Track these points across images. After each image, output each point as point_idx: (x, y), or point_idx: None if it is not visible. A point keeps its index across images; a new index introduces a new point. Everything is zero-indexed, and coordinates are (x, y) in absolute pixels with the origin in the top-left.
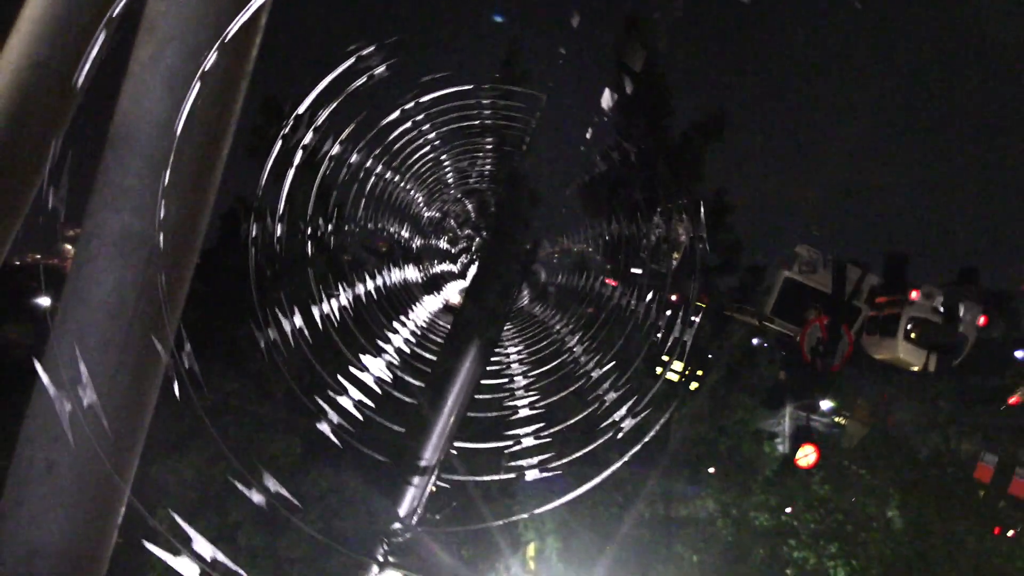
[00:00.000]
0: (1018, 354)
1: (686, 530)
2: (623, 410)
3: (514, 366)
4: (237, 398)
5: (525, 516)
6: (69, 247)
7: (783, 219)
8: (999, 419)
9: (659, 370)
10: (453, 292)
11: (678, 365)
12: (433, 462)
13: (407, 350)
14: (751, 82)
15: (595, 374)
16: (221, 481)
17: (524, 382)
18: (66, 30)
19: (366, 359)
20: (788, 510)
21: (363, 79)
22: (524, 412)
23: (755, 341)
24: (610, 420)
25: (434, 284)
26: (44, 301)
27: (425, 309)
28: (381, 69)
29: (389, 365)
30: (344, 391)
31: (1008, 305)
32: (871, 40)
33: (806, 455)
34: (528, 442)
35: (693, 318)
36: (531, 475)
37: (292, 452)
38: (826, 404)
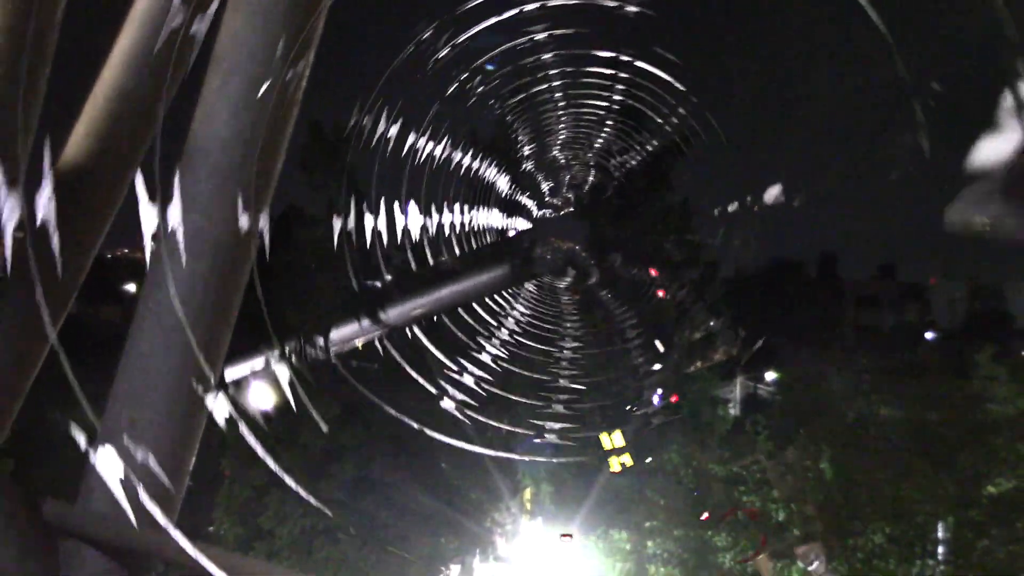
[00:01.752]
0: (928, 335)
1: (655, 478)
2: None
3: (567, 339)
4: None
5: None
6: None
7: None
8: (912, 388)
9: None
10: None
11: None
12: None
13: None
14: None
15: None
16: (274, 434)
17: (570, 355)
18: (149, 64)
19: None
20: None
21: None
22: (563, 382)
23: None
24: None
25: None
26: (131, 287)
27: None
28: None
29: None
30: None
31: (921, 295)
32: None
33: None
34: (558, 408)
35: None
36: (550, 437)
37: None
38: (771, 375)
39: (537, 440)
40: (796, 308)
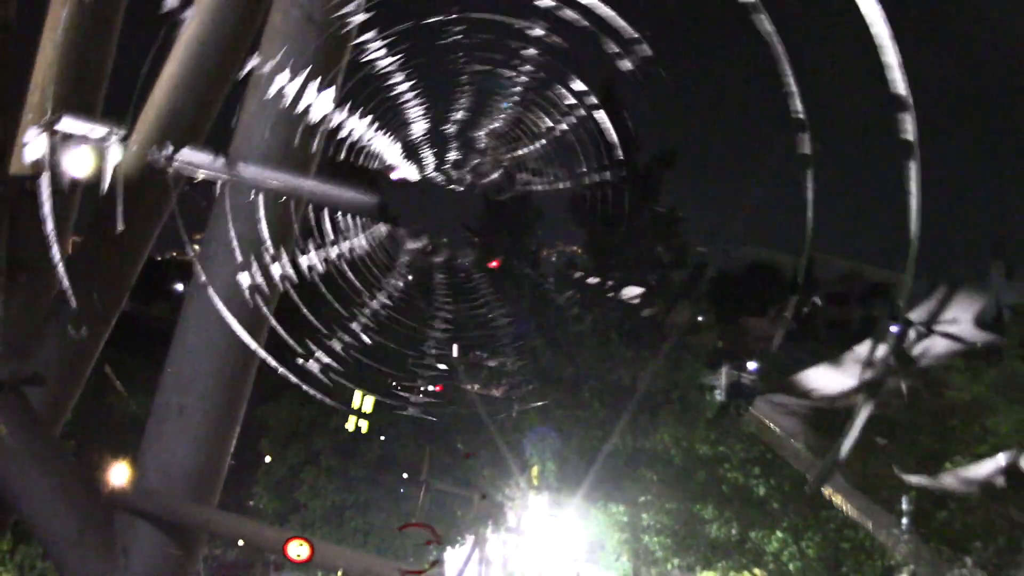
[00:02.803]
0: (892, 328)
1: (648, 457)
2: None
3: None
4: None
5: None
6: (196, 247)
7: (720, 225)
8: (878, 375)
9: None
10: None
11: None
12: None
13: None
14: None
15: None
16: (307, 419)
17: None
18: (197, 85)
19: None
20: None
21: None
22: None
23: (700, 318)
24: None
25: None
26: (179, 287)
27: None
28: None
29: None
30: None
31: (887, 293)
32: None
33: (297, 554)
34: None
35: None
36: (412, 411)
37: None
38: (752, 365)
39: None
40: (774, 305)
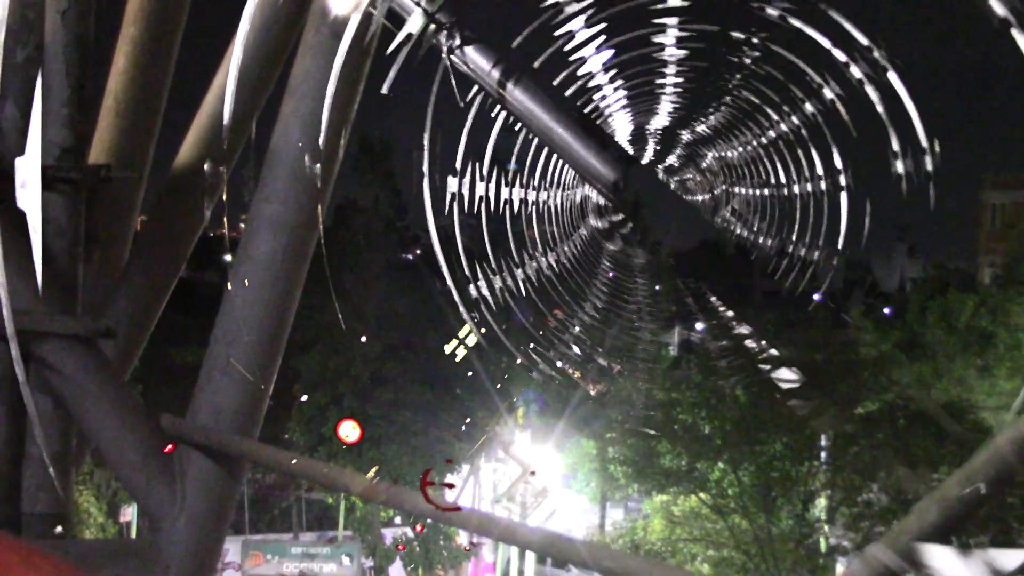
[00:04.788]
0: (815, 297)
1: (614, 400)
2: None
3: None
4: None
5: None
6: (242, 224)
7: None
8: (803, 335)
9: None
10: None
11: None
12: None
13: None
14: None
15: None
16: (333, 368)
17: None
18: (242, 92)
19: None
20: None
21: None
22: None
23: (656, 287)
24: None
25: None
26: (228, 257)
27: None
28: None
29: None
30: None
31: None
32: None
33: (347, 435)
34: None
35: None
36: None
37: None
38: (700, 325)
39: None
40: (717, 277)
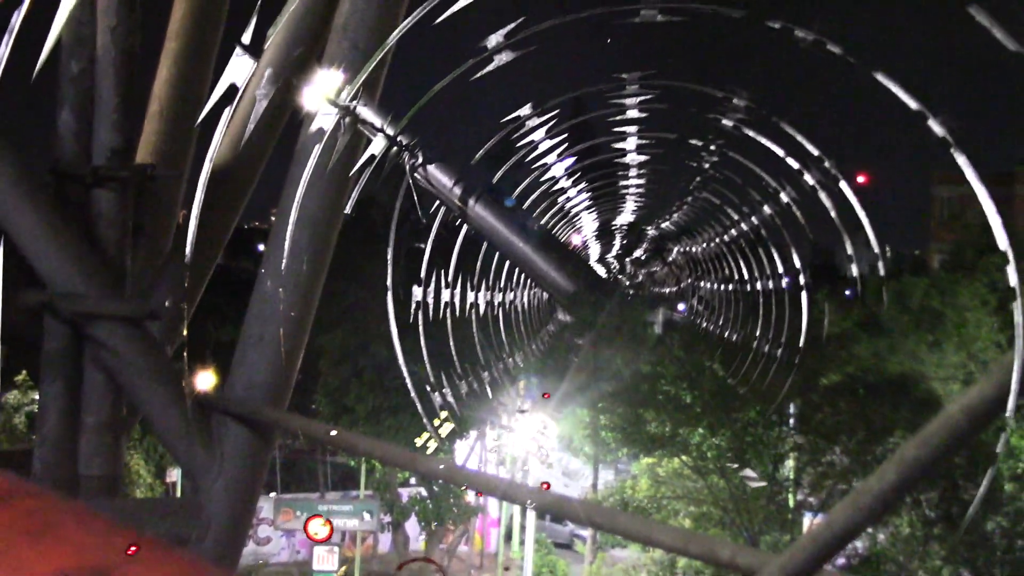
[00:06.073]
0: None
1: (606, 374)
2: None
3: None
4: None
5: None
6: (272, 217)
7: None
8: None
9: None
10: None
11: None
12: None
13: None
14: None
15: None
16: (354, 345)
17: None
18: (272, 95)
19: None
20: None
21: None
22: None
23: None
24: None
25: None
26: (260, 247)
27: None
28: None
29: None
30: None
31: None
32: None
33: (316, 532)
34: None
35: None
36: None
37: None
38: (682, 306)
39: None
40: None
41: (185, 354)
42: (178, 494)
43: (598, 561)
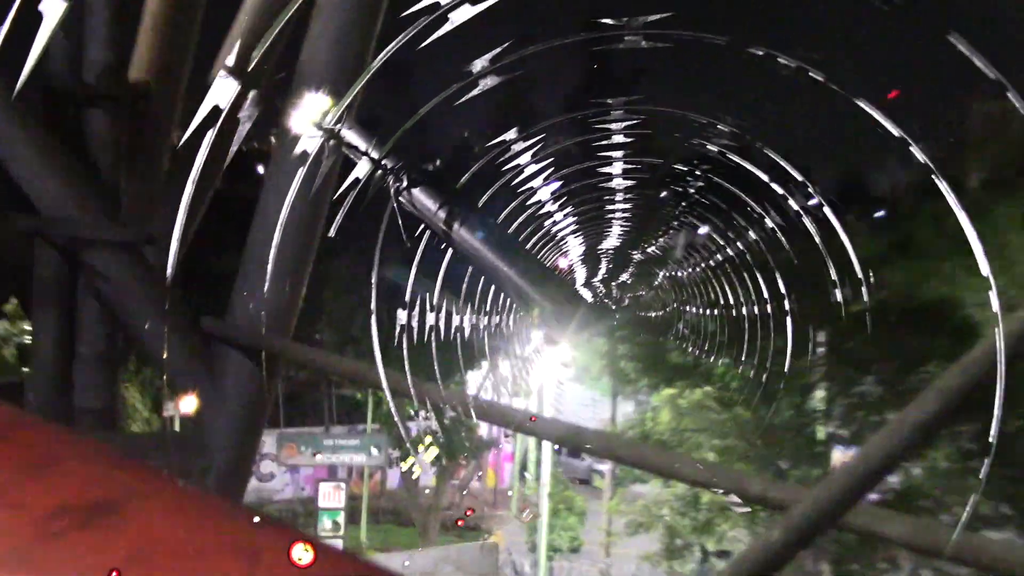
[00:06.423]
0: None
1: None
2: None
3: None
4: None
5: None
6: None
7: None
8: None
9: None
10: None
11: None
12: None
13: None
14: None
15: None
16: (361, 273)
17: None
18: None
19: None
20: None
21: None
22: None
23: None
24: None
25: None
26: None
27: None
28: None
29: None
30: None
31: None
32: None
33: (300, 558)
34: None
35: None
36: None
37: None
38: (703, 229)
39: None
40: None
41: (184, 282)
42: (176, 428)
43: (617, 496)
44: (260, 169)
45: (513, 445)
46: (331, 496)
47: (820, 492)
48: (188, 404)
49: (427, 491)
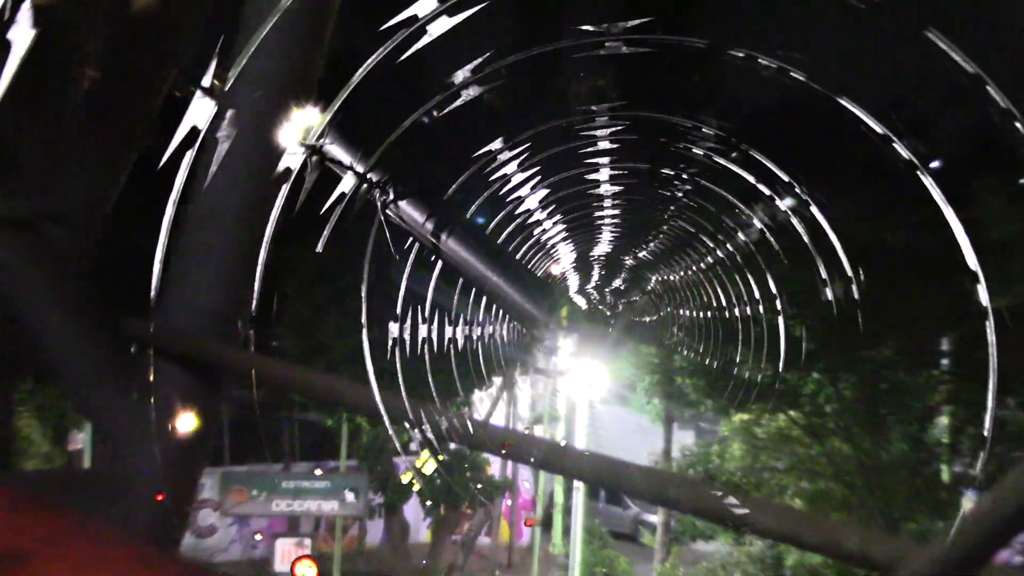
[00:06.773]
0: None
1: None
2: None
3: None
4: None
5: None
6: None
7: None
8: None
9: None
10: None
11: None
12: None
13: None
14: None
15: None
16: (334, 259)
17: None
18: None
19: None
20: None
21: None
22: None
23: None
24: None
25: None
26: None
27: None
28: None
29: None
30: None
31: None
32: None
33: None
34: None
35: None
36: None
37: None
38: (787, 202)
39: None
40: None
41: (99, 271)
42: (85, 465)
43: (672, 557)
44: (199, 124)
45: (534, 488)
46: (292, 556)
47: (938, 549)
48: (103, 432)
49: (420, 550)
